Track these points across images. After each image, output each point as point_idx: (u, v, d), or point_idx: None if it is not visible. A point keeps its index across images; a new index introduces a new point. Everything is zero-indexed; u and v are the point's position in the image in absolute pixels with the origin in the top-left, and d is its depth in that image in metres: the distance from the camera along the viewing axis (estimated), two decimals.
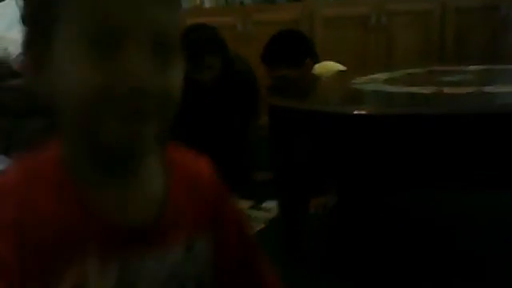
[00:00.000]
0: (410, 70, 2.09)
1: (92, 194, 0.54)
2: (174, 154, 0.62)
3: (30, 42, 0.53)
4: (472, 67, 2.05)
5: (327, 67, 2.31)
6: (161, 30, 0.50)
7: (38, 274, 0.50)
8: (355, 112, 1.44)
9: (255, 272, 0.67)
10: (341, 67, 2.35)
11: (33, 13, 0.53)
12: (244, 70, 2.45)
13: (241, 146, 2.47)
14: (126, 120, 0.49)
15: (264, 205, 2.19)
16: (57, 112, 0.52)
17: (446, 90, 1.60)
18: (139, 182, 0.56)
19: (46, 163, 0.54)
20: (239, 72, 2.42)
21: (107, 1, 0.48)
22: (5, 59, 2.45)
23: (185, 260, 0.58)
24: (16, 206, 0.51)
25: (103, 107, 0.48)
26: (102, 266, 0.53)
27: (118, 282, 0.53)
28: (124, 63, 0.48)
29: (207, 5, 3.42)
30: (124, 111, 0.49)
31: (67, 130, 0.53)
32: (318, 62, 2.30)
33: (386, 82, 1.83)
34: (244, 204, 2.21)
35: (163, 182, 0.59)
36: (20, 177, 0.53)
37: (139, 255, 0.55)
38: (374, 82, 1.84)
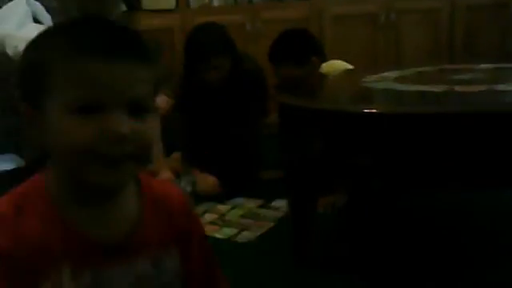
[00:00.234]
0: (420, 69, 2.07)
1: (73, 217, 0.66)
2: (149, 181, 0.74)
3: (24, 97, 0.65)
4: (483, 65, 2.03)
5: (334, 66, 2.30)
6: (134, 96, 0.63)
7: (21, 285, 0.63)
8: (366, 110, 1.43)
9: (214, 278, 0.80)
10: (348, 66, 2.34)
11: (27, 75, 0.65)
12: (253, 69, 2.44)
13: (250, 144, 2.47)
14: (108, 165, 0.61)
15: (273, 203, 2.19)
16: (48, 153, 0.65)
17: (457, 88, 1.58)
18: (115, 206, 0.69)
19: (34, 191, 0.67)
20: (248, 71, 2.41)
21: (93, 83, 0.60)
22: (15, 57, 2.46)
23: (152, 273, 0.70)
24: (6, 232, 0.64)
25: (90, 156, 0.61)
26: (75, 276, 0.65)
27: (90, 285, 0.66)
28: (106, 122, 0.61)
29: (216, 3, 3.41)
30: (107, 158, 0.61)
31: (57, 167, 0.66)
32: (325, 60, 2.29)
33: (397, 80, 1.81)
34: (253, 203, 2.22)
35: (136, 206, 0.71)
36: (10, 204, 0.66)
37: (110, 267, 0.67)
38: (385, 80, 1.82)
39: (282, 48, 2.22)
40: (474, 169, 1.35)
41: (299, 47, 2.22)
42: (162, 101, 2.34)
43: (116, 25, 0.67)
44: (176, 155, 2.51)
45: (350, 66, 2.34)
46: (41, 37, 0.66)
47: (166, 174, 2.25)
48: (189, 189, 2.28)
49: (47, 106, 0.63)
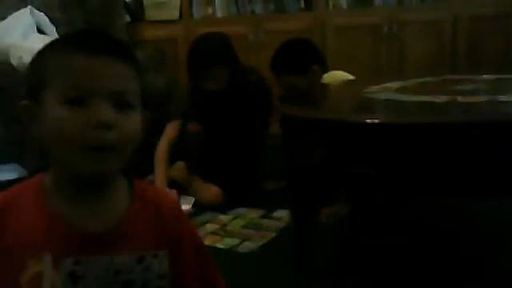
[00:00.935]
0: (422, 79, 2.08)
1: (61, 207, 0.72)
2: (143, 185, 0.80)
3: (28, 94, 0.73)
4: (485, 76, 2.03)
5: (335, 76, 2.31)
6: (116, 90, 0.71)
7: (11, 264, 0.71)
8: (368, 121, 1.44)
9: (210, 281, 0.83)
10: (349, 76, 2.35)
11: (30, 75, 0.74)
12: (255, 81, 2.44)
13: (252, 155, 2.47)
14: (93, 152, 0.68)
15: (275, 214, 2.19)
16: (46, 150, 0.71)
17: (460, 98, 1.59)
18: (103, 200, 0.74)
19: (27, 188, 0.75)
20: (250, 82, 2.42)
21: (79, 74, 0.69)
22: (19, 67, 2.47)
23: (133, 268, 0.73)
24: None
25: (77, 144, 0.68)
26: (57, 264, 0.70)
27: (70, 273, 0.71)
28: (91, 111, 0.68)
29: (219, 14, 3.44)
30: (92, 145, 0.68)
31: (53, 160, 0.73)
32: (326, 70, 2.30)
33: (399, 90, 1.82)
34: (255, 213, 2.21)
35: (126, 204, 0.76)
36: (3, 199, 0.74)
37: (91, 256, 0.71)
38: (387, 90, 1.83)
39: (283, 57, 2.23)
40: (475, 178, 1.34)
41: (300, 56, 2.23)
42: (170, 127, 2.38)
43: (105, 33, 0.78)
44: (180, 164, 2.51)
45: (351, 77, 2.34)
46: (43, 47, 0.75)
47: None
48: (188, 207, 2.27)
49: (44, 98, 0.70)
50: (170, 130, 2.39)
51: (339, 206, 2.06)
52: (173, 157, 2.42)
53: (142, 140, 0.75)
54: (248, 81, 2.41)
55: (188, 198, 2.34)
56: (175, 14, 3.34)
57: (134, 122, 0.72)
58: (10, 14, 2.75)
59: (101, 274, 0.71)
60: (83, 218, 0.73)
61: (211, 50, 2.31)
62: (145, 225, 0.76)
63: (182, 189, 2.37)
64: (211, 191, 2.33)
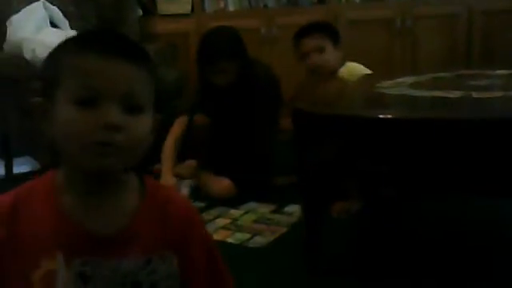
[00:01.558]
0: (436, 74, 2.05)
1: (71, 206, 0.73)
2: (155, 185, 0.80)
3: (42, 91, 0.73)
4: (500, 71, 2.00)
5: (352, 70, 2.29)
6: (127, 92, 0.70)
7: (23, 261, 0.71)
8: (380, 116, 1.42)
9: (219, 281, 0.83)
10: (366, 70, 2.33)
11: (44, 72, 0.75)
12: (264, 76, 2.44)
13: (262, 149, 2.47)
14: (100, 151, 0.68)
15: (286, 209, 2.18)
16: (56, 146, 0.72)
17: (474, 94, 1.57)
18: (112, 199, 0.75)
19: (39, 185, 0.76)
20: (258, 76, 2.41)
21: (90, 75, 0.69)
22: (32, 61, 2.49)
23: (141, 270, 0.73)
24: (1, 222, 0.72)
25: (85, 144, 0.68)
26: (68, 264, 0.71)
27: (80, 273, 0.71)
28: (100, 113, 0.68)
29: (231, 8, 3.43)
30: (99, 144, 0.68)
31: (63, 157, 0.73)
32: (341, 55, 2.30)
33: (412, 86, 1.80)
34: (266, 208, 2.21)
35: (135, 204, 0.76)
36: (14, 196, 0.75)
37: (100, 258, 0.72)
38: (400, 85, 1.81)
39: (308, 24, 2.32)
40: (490, 175, 1.33)
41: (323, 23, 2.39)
42: (177, 123, 2.40)
43: (120, 34, 0.77)
44: (189, 162, 2.52)
45: (368, 71, 2.32)
46: (58, 44, 0.76)
47: (168, 179, 2.28)
48: (186, 190, 2.32)
49: (56, 97, 0.71)
50: (177, 126, 2.40)
51: (351, 201, 2.05)
52: (181, 153, 2.43)
53: (152, 141, 0.75)
54: (257, 74, 2.40)
55: (185, 181, 2.36)
56: (187, 8, 3.34)
57: (143, 124, 0.72)
58: (24, 7, 2.76)
59: (109, 275, 0.72)
60: (93, 218, 0.73)
61: (220, 44, 2.31)
62: (152, 226, 0.76)
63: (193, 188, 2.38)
64: (223, 184, 2.33)
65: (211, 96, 2.39)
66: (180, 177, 2.38)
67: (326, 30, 2.33)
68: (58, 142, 0.71)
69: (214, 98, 2.39)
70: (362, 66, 2.34)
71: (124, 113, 0.70)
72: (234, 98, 2.36)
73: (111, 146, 0.69)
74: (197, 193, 2.36)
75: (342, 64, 2.30)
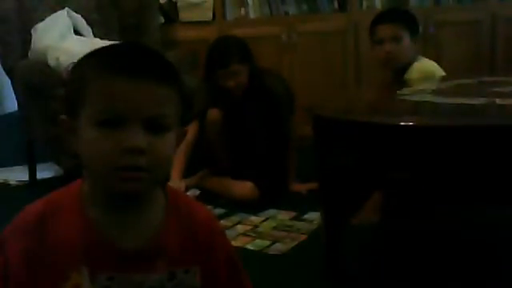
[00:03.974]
0: (458, 81, 2.03)
1: (98, 221, 0.73)
2: (177, 197, 0.79)
3: (67, 109, 0.73)
4: None
5: (424, 69, 2.20)
6: (151, 114, 0.69)
7: (51, 272, 0.71)
8: (402, 123, 1.41)
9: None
10: (440, 71, 2.23)
11: (68, 89, 0.74)
12: (273, 86, 2.45)
13: (277, 154, 2.48)
14: (124, 175, 0.68)
15: (307, 216, 2.17)
16: (81, 162, 0.72)
17: (498, 101, 1.54)
18: (139, 214, 0.74)
19: (67, 196, 0.75)
20: (267, 87, 2.43)
21: (116, 99, 0.68)
22: (56, 68, 2.53)
23: (165, 285, 0.73)
24: (33, 233, 0.72)
25: (109, 167, 0.68)
26: (93, 278, 0.71)
27: None
28: (123, 136, 0.67)
29: (252, 15, 3.44)
30: (123, 168, 0.67)
31: (88, 174, 0.74)
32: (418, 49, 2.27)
33: (434, 92, 1.78)
34: (286, 215, 2.20)
35: (161, 218, 0.75)
36: (42, 207, 0.74)
37: (125, 273, 0.72)
38: (422, 92, 1.79)
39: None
40: None
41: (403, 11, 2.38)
42: (189, 129, 2.41)
43: (147, 50, 0.74)
44: (202, 173, 2.55)
45: (441, 71, 2.25)
46: (84, 57, 0.74)
47: (177, 183, 2.31)
48: (197, 192, 2.38)
49: (81, 115, 0.70)
50: (189, 132, 2.41)
51: (373, 209, 2.03)
52: (192, 164, 2.45)
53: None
54: (264, 85, 2.43)
55: (192, 189, 2.41)
56: (208, 16, 3.36)
57: (167, 144, 0.71)
58: (48, 15, 2.81)
59: None
60: (120, 233, 0.73)
61: (231, 48, 2.37)
62: (178, 240, 0.75)
63: (211, 195, 2.39)
64: (246, 186, 2.34)
65: (223, 102, 2.42)
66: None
67: (406, 19, 2.24)
68: (83, 160, 0.71)
69: (226, 104, 2.42)
70: (435, 65, 2.26)
71: (148, 133, 0.69)
72: (245, 103, 2.41)
73: (135, 170, 0.68)
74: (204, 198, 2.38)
75: (415, 58, 2.22)
